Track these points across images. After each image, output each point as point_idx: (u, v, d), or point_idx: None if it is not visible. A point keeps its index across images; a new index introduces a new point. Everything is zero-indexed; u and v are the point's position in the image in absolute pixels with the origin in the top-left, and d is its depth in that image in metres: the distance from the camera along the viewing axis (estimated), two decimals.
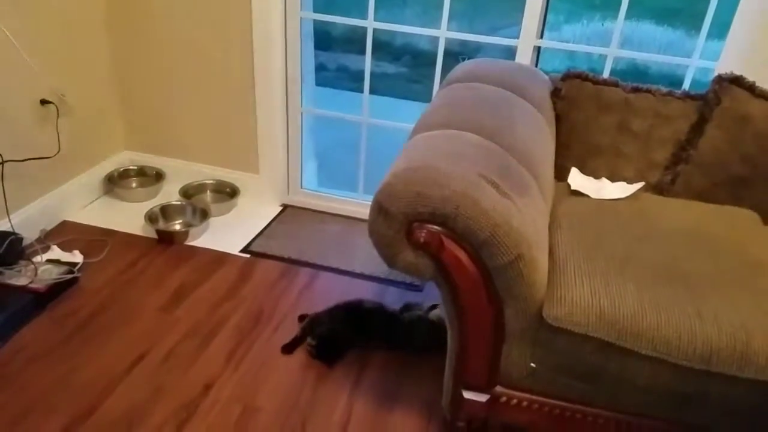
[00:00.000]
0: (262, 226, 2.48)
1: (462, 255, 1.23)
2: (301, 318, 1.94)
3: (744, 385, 1.20)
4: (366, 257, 2.31)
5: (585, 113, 1.85)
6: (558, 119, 1.86)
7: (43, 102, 2.14)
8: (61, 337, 1.79)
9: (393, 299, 2.09)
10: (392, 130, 2.46)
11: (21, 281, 1.87)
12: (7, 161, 2.00)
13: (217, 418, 1.58)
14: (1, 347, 1.72)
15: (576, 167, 1.83)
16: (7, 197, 2.02)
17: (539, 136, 1.62)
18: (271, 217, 2.56)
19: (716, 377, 1.21)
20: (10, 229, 2.00)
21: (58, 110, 2.20)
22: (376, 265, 2.26)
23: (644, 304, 1.24)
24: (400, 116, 2.48)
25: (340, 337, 1.83)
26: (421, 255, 1.29)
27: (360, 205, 2.60)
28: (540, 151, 1.56)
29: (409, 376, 1.78)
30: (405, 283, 2.20)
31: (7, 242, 1.89)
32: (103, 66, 2.46)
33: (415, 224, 1.25)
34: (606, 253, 1.41)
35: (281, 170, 2.60)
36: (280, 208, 2.64)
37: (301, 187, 2.68)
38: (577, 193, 1.74)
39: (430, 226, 1.24)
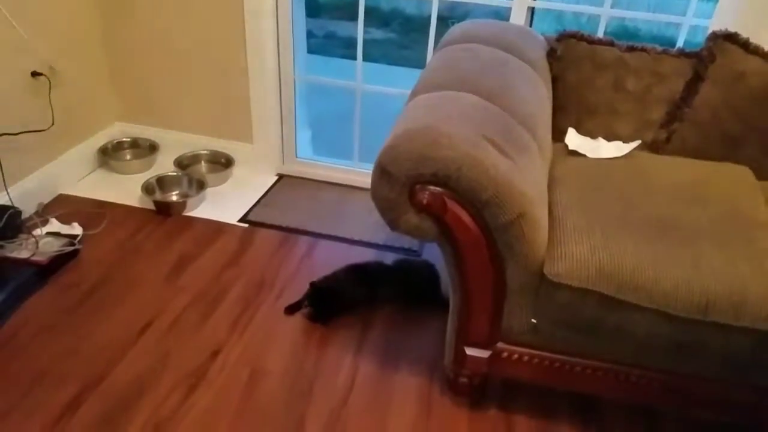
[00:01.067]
0: (259, 196, 2.49)
1: (464, 215, 1.26)
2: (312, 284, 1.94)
3: (739, 333, 1.24)
4: (364, 224, 2.33)
5: (581, 73, 1.85)
6: (554, 80, 1.86)
7: (34, 74, 2.11)
8: (67, 308, 1.81)
9: None
10: (384, 97, 2.46)
11: (22, 254, 1.88)
12: (2, 135, 1.98)
13: (226, 382, 1.62)
14: (7, 320, 1.74)
15: (572, 127, 1.85)
16: (4, 171, 2.01)
17: (537, 97, 1.63)
18: (267, 187, 2.56)
19: (712, 327, 1.25)
20: (9, 203, 2.00)
21: (50, 82, 2.17)
22: (374, 232, 2.28)
23: (642, 258, 1.27)
24: (392, 82, 2.47)
25: (335, 291, 1.86)
26: (424, 217, 1.31)
27: (356, 173, 2.61)
28: (538, 112, 1.58)
29: (411, 337, 1.82)
30: (403, 248, 2.22)
31: (6, 216, 1.89)
32: (94, 37, 2.43)
33: (418, 186, 1.27)
34: (604, 210, 1.43)
35: (276, 140, 2.60)
36: (276, 178, 2.64)
37: (296, 157, 2.68)
38: (575, 153, 1.76)
39: (432, 187, 1.25)
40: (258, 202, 2.45)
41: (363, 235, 2.28)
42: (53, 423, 1.47)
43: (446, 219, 1.27)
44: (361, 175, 2.60)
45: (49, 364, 1.63)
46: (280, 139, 2.62)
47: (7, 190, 2.04)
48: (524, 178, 1.26)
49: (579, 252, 1.28)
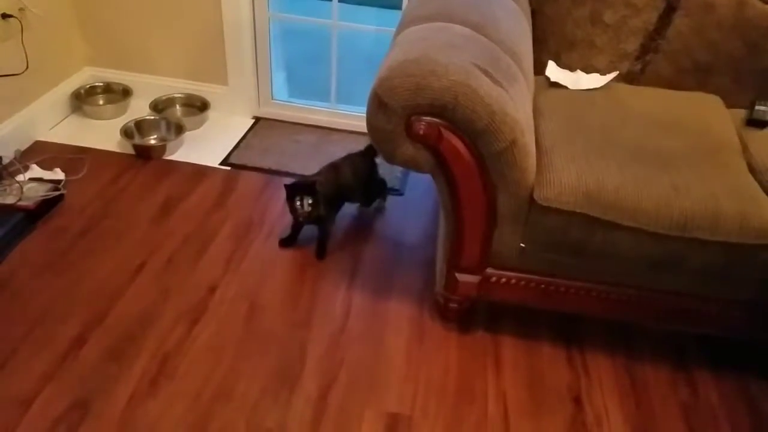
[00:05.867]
0: (237, 139, 2.48)
1: (459, 144, 1.31)
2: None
3: (714, 247, 1.35)
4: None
5: (559, 7, 1.89)
6: (533, 13, 1.90)
7: (4, 16, 2.04)
8: (59, 251, 1.82)
9: (375, 204, 2.16)
10: (355, 38, 2.42)
11: (8, 200, 1.86)
12: None
13: (227, 315, 1.67)
14: (0, 263, 1.75)
15: (551, 60, 1.90)
16: None
17: (520, 29, 1.67)
18: (245, 130, 2.55)
19: (690, 243, 1.35)
20: None
21: (21, 25, 2.10)
22: None
23: (625, 181, 1.35)
24: (364, 23, 2.44)
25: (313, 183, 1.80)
26: (420, 148, 1.35)
27: (333, 115, 2.61)
28: (522, 44, 1.61)
29: (399, 270, 1.89)
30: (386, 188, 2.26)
31: None
32: None
33: (413, 117, 1.31)
34: (586, 138, 1.50)
35: (251, 81, 2.57)
36: (252, 121, 2.63)
37: (272, 99, 2.66)
38: (555, 85, 1.81)
39: (428, 118, 1.30)
40: (237, 145, 2.45)
41: None
42: (61, 358, 1.50)
43: (442, 149, 1.32)
44: (339, 116, 2.60)
45: (49, 303, 1.65)
46: (255, 81, 2.59)
47: None
48: (516, 106, 1.31)
49: (566, 177, 1.35)
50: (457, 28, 1.45)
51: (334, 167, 1.93)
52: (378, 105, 1.30)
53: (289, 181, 1.83)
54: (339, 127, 2.60)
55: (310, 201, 1.77)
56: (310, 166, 2.33)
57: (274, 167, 2.32)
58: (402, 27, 1.55)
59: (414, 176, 2.32)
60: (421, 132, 1.30)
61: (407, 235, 2.05)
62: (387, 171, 2.33)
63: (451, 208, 1.44)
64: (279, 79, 2.71)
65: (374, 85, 1.32)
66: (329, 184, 1.86)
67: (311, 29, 2.59)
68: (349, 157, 2.00)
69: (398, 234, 2.05)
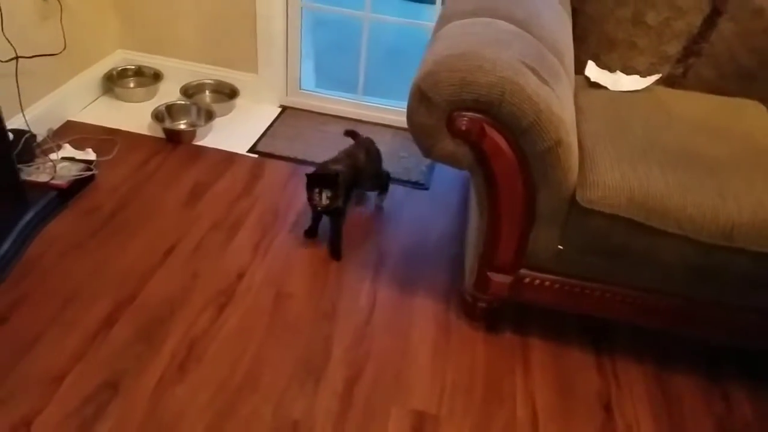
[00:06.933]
0: (264, 127, 2.48)
1: (502, 142, 1.28)
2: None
3: (760, 258, 1.31)
4: None
5: (601, 6, 1.86)
6: (574, 12, 1.86)
7: None
8: (90, 231, 1.82)
9: (400, 197, 2.15)
10: (381, 30, 2.39)
11: (41, 178, 1.87)
12: (15, 58, 1.93)
13: (254, 301, 1.67)
14: (32, 240, 1.75)
15: (591, 60, 1.86)
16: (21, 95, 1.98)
17: (562, 27, 1.64)
18: (272, 119, 2.54)
19: (735, 252, 1.31)
20: (24, 127, 1.97)
21: (60, 5, 2.10)
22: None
23: (670, 186, 1.32)
24: (392, 14, 2.41)
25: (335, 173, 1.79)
26: (460, 143, 1.33)
27: (359, 107, 2.59)
28: (564, 42, 1.59)
29: (424, 265, 1.87)
30: (411, 182, 2.25)
31: (23, 140, 1.87)
32: None
33: (456, 112, 1.28)
34: (629, 140, 1.47)
35: (280, 70, 2.56)
36: (279, 110, 2.62)
37: (300, 88, 2.65)
38: (595, 85, 1.78)
39: (471, 113, 1.27)
40: (264, 133, 2.44)
41: None
42: (91, 338, 1.51)
43: (484, 146, 1.30)
44: (365, 108, 2.59)
45: (79, 283, 1.66)
46: (284, 70, 2.59)
47: (23, 114, 2.00)
48: (561, 105, 1.29)
49: (610, 179, 1.32)
50: (502, 23, 1.42)
51: (350, 155, 1.91)
52: (420, 99, 1.29)
53: (310, 170, 1.81)
54: (364, 119, 2.58)
55: (329, 194, 1.74)
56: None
57: (300, 156, 2.31)
58: (443, 21, 1.53)
59: (439, 170, 2.30)
60: (464, 128, 1.28)
61: (432, 229, 2.03)
62: (413, 164, 2.32)
63: (488, 206, 1.42)
64: (307, 68, 2.70)
65: (417, 78, 1.30)
66: (348, 175, 1.83)
67: (336, 19, 2.57)
68: (362, 143, 1.99)
69: (423, 228, 2.03)
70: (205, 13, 2.44)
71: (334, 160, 1.88)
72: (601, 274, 1.48)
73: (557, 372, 1.59)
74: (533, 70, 1.27)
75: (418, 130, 1.34)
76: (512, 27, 1.42)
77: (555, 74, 1.37)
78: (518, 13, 1.49)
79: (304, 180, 1.77)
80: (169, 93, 2.52)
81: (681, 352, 1.67)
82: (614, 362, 1.63)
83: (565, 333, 1.69)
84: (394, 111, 2.55)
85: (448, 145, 1.34)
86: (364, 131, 2.12)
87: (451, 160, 1.37)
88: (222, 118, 2.47)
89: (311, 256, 1.85)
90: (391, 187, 2.14)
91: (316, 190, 1.74)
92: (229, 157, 2.26)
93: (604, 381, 1.57)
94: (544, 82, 1.28)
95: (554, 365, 1.60)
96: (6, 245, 1.64)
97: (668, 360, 1.65)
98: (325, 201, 1.75)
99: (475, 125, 1.28)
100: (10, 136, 1.75)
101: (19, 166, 1.80)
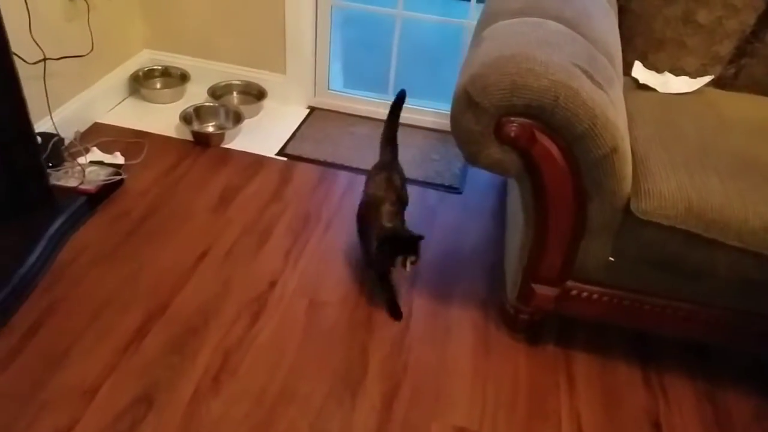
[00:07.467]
0: (293, 129, 2.43)
1: (554, 149, 1.22)
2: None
3: None
4: (402, 161, 2.28)
5: (649, 4, 1.78)
6: (621, 10, 1.79)
7: None
8: (120, 238, 1.79)
9: (433, 201, 2.09)
10: (413, 27, 2.32)
11: (70, 183, 1.84)
12: (43, 60, 1.90)
13: (288, 310, 1.63)
14: (63, 247, 1.72)
15: (638, 61, 1.79)
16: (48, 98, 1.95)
17: (611, 27, 1.57)
18: (300, 120, 2.49)
19: None
20: (53, 130, 1.94)
21: (87, 5, 2.07)
22: (413, 168, 2.22)
23: (729, 196, 1.25)
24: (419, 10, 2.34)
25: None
26: (508, 150, 1.27)
27: (389, 107, 2.53)
28: (614, 43, 1.52)
29: (462, 273, 1.81)
30: (444, 185, 2.19)
31: (51, 144, 1.85)
32: None
33: (504, 118, 1.22)
34: (683, 146, 1.40)
35: (309, 70, 2.51)
36: (307, 111, 2.57)
37: (328, 89, 2.60)
38: (643, 87, 1.71)
39: (521, 119, 1.21)
40: (293, 135, 2.40)
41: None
42: (123, 349, 1.47)
43: (534, 153, 1.23)
44: None
45: (110, 291, 1.62)
46: (312, 70, 2.54)
47: (51, 116, 1.97)
48: (616, 110, 1.22)
49: (667, 189, 1.25)
50: (552, 24, 1.36)
51: (391, 186, 1.70)
52: (467, 104, 1.22)
53: (385, 230, 1.56)
54: None
55: (413, 259, 1.52)
56: (366, 158, 2.26)
57: (329, 159, 2.27)
58: (488, 20, 1.46)
59: (472, 173, 2.24)
60: (513, 134, 1.22)
61: (467, 235, 1.97)
62: (445, 167, 2.25)
63: (535, 216, 1.35)
64: (335, 68, 2.64)
65: (463, 82, 1.24)
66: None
67: (366, 16, 2.51)
68: (390, 165, 1.80)
69: (457, 235, 1.97)
70: (233, 13, 2.40)
71: (371, 181, 1.74)
72: (651, 287, 1.41)
73: (602, 387, 1.52)
74: (586, 73, 1.21)
75: (463, 136, 1.28)
76: (562, 27, 1.35)
77: (607, 78, 1.30)
78: (567, 12, 1.42)
79: (374, 242, 1.55)
80: (196, 94, 2.48)
81: (732, 368, 1.60)
82: (661, 377, 1.56)
83: (609, 346, 1.62)
84: (425, 112, 2.48)
85: (495, 152, 1.28)
86: None
87: (498, 168, 1.31)
88: (250, 120, 2.43)
89: (343, 262, 1.80)
90: (424, 191, 2.09)
91: (400, 258, 1.51)
92: (258, 161, 2.22)
93: (652, 397, 1.51)
94: (598, 86, 1.21)
95: (599, 380, 1.53)
96: (36, 252, 1.61)
97: (718, 376, 1.57)
98: (409, 268, 1.53)
99: (525, 131, 1.21)
100: (39, 140, 1.72)
101: (48, 171, 1.77)
